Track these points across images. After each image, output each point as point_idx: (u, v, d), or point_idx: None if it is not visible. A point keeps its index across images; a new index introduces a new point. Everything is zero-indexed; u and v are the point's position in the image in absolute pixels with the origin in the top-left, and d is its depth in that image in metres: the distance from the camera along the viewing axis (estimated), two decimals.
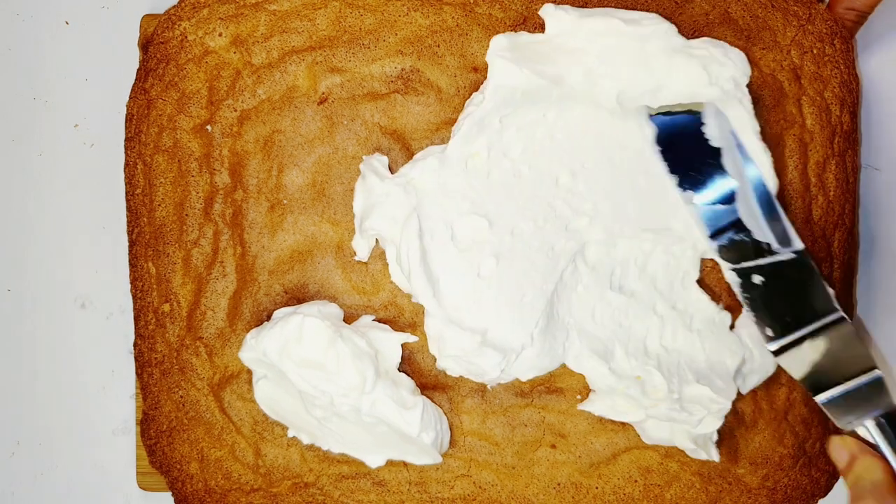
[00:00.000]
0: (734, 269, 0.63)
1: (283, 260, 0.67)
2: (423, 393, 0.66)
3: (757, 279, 0.63)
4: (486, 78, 0.64)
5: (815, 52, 0.66)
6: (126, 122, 0.67)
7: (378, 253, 0.66)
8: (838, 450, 0.62)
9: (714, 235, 0.63)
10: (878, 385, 0.61)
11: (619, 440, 0.67)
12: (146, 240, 0.67)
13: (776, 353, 0.63)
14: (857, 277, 0.68)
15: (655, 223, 0.65)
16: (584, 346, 0.65)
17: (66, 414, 0.74)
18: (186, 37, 0.66)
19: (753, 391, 0.66)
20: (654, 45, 0.63)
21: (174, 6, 0.66)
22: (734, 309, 0.66)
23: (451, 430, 0.66)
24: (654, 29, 0.63)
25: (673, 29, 0.63)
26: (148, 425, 0.67)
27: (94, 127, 0.74)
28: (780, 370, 0.66)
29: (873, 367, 0.61)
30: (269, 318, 0.66)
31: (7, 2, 0.74)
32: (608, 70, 0.63)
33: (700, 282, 0.66)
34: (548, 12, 0.65)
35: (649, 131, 0.63)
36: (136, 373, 0.68)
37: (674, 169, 0.64)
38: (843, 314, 0.62)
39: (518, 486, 0.67)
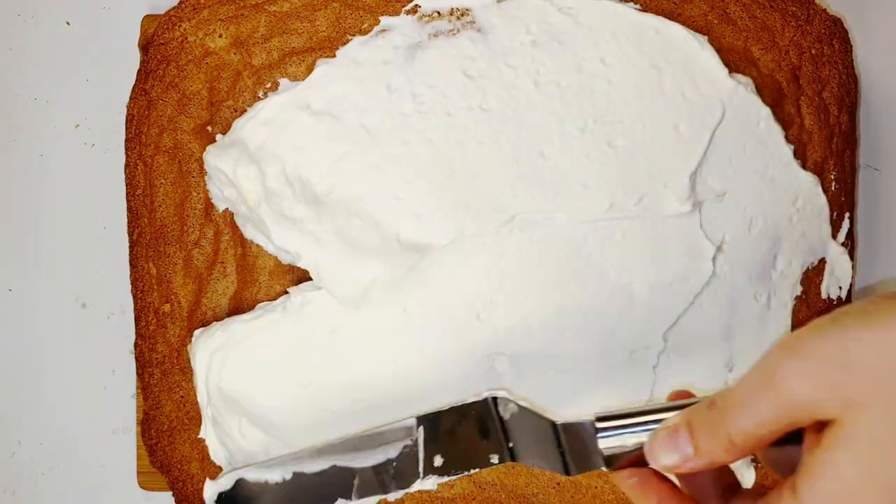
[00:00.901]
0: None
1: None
2: None
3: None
4: None
5: (813, 52, 0.66)
6: (126, 122, 0.67)
7: None
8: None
9: None
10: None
11: None
12: (147, 240, 0.67)
13: None
14: (856, 278, 0.69)
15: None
16: None
17: (66, 414, 0.74)
18: (187, 38, 0.66)
19: None
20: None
21: (174, 7, 0.66)
22: None
23: None
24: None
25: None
26: (148, 425, 0.67)
27: (94, 127, 0.74)
28: None
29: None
30: None
31: (7, 2, 0.74)
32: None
33: None
34: None
35: None
36: (137, 373, 0.68)
37: None
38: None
39: (518, 485, 0.67)
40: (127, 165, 0.67)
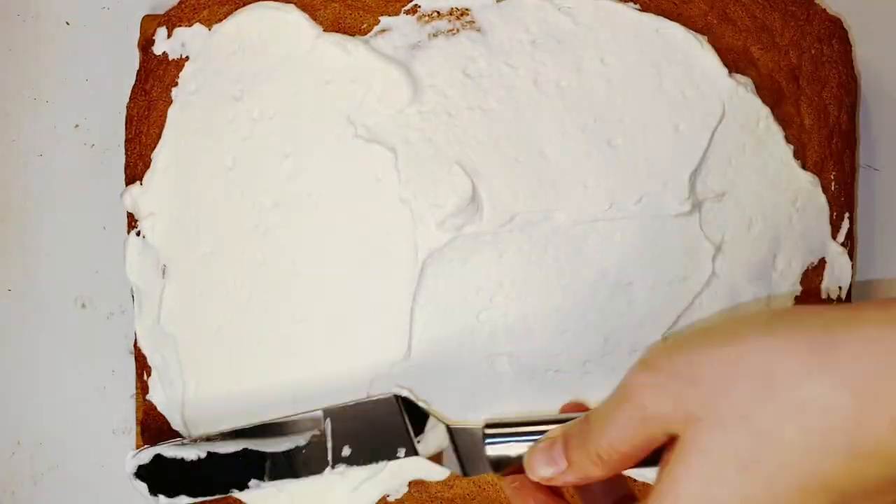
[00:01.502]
0: None
1: None
2: None
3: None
4: None
5: (813, 52, 0.66)
6: (126, 122, 0.67)
7: None
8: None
9: None
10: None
11: None
12: None
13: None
14: (854, 278, 0.69)
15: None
16: None
17: (66, 414, 0.74)
18: None
19: None
20: None
21: (174, 7, 0.66)
22: None
23: None
24: None
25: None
26: (148, 425, 0.67)
27: (94, 128, 0.74)
28: None
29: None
30: None
31: (7, 2, 0.74)
32: None
33: None
34: None
35: None
36: (137, 373, 0.68)
37: None
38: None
39: None
40: (127, 166, 0.67)
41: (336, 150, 0.63)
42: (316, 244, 0.63)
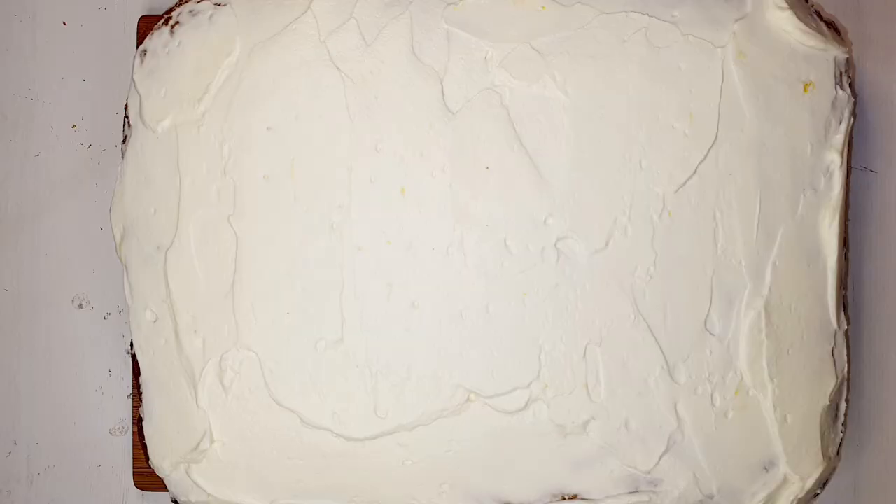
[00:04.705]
0: None
1: None
2: None
3: None
4: None
5: None
6: (124, 122, 0.67)
7: None
8: None
9: None
10: None
11: None
12: None
13: None
14: (849, 279, 0.69)
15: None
16: None
17: (63, 414, 0.74)
18: None
19: None
20: None
21: (171, 8, 0.67)
22: None
23: None
24: None
25: None
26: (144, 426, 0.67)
27: (91, 128, 0.74)
28: None
29: None
30: None
31: (6, 2, 0.74)
32: None
33: None
34: None
35: None
36: (134, 373, 0.68)
37: None
38: None
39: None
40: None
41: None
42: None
